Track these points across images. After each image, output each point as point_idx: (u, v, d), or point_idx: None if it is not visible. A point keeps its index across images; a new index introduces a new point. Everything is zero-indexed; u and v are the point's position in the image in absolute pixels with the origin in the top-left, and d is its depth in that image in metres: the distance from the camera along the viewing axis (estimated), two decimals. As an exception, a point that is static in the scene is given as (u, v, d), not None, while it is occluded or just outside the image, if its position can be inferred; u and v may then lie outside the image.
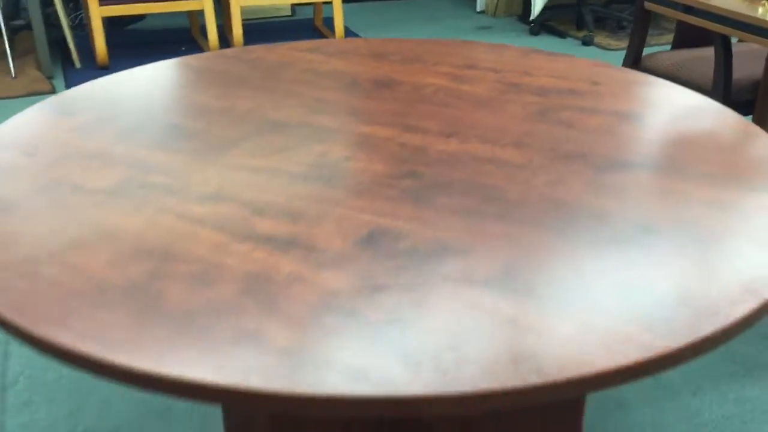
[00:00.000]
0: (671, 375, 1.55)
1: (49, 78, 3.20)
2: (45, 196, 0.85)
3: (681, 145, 0.99)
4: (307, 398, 0.57)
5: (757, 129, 1.04)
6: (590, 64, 1.29)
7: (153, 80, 1.21)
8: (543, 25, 4.03)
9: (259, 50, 1.37)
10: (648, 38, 2.52)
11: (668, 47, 2.78)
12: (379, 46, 1.39)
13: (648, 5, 2.21)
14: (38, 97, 3.04)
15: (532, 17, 3.88)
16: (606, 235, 0.78)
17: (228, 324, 0.65)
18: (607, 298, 0.68)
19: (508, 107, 1.11)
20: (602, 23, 4.15)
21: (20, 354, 1.60)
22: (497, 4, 4.31)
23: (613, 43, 3.81)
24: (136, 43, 3.75)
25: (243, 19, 4.02)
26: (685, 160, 0.95)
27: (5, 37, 3.24)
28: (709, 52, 2.27)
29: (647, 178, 0.90)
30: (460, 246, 0.76)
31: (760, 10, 1.72)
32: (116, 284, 0.70)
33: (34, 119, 1.06)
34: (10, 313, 0.65)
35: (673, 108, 1.11)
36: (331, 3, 3.62)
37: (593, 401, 1.47)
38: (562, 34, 3.95)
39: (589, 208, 0.83)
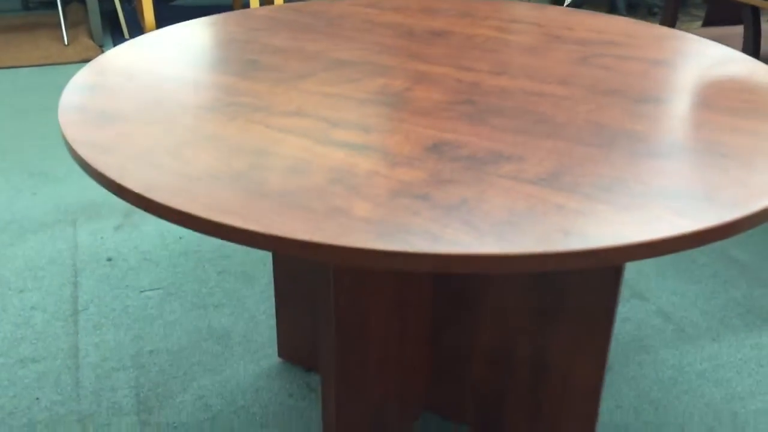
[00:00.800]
0: (692, 323, 1.65)
1: (101, 47, 3.35)
2: (151, 109, 0.97)
3: (708, 86, 1.10)
4: (393, 254, 0.69)
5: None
6: (627, 21, 1.40)
7: (223, 27, 1.33)
8: (575, 10, 4.11)
9: (319, 5, 1.49)
10: (678, 24, 2.61)
11: (699, 28, 2.85)
12: (431, 3, 1.51)
13: (681, -17, 2.29)
14: (89, 64, 3.19)
15: (565, 4, 3.96)
16: (642, 150, 0.89)
17: (321, 202, 0.76)
18: (644, 194, 0.79)
19: (552, 54, 1.22)
20: (634, 9, 4.22)
21: (89, 285, 1.74)
22: (530, -12, 4.39)
23: (644, 28, 3.88)
24: (181, 17, 3.89)
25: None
26: (712, 97, 1.05)
27: (59, 8, 3.39)
28: (737, 30, 2.36)
29: (678, 109, 1.01)
30: (513, 154, 0.87)
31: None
32: (225, 172, 0.82)
33: (125, 53, 1.19)
34: (146, 192, 0.77)
35: (703, 57, 1.22)
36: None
37: (619, 343, 1.58)
38: (593, 19, 4.03)
39: (626, 130, 0.94)
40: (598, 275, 1.12)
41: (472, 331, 1.27)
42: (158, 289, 1.74)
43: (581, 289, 1.15)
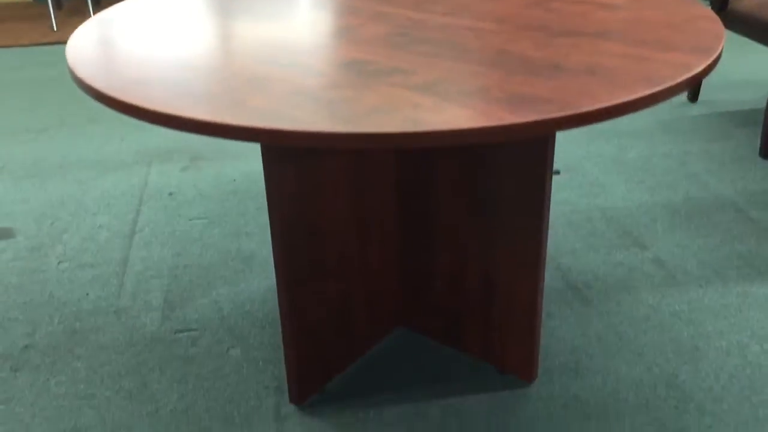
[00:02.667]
0: (684, 271, 1.70)
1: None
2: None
3: (636, 24, 1.18)
4: (259, 129, 0.87)
5: (715, 17, 1.20)
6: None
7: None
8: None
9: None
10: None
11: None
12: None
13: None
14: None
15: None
16: (522, 69, 1.01)
17: (233, 99, 0.96)
18: (496, 99, 0.92)
19: (515, 1, 1.34)
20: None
21: (149, 212, 2.03)
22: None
23: None
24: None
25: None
26: (629, 33, 1.14)
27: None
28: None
29: (584, 41, 1.11)
30: (409, 69, 1.02)
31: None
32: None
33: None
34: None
35: (654, 2, 1.29)
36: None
37: (604, 284, 1.66)
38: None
39: (523, 56, 1.06)
40: (525, 207, 1.24)
41: (432, 254, 1.42)
42: (204, 218, 2.00)
43: (514, 218, 1.27)
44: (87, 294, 1.70)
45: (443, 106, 0.90)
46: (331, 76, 1.01)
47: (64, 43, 3.62)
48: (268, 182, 1.18)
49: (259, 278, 1.74)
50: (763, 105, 2.58)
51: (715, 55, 1.02)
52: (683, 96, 2.68)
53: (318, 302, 1.33)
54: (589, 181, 2.12)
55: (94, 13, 3.98)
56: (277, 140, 0.86)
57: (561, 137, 2.40)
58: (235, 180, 2.21)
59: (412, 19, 1.25)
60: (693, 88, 2.63)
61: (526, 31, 1.17)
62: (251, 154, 2.38)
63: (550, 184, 1.23)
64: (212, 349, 1.52)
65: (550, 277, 1.71)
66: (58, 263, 1.82)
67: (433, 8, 1.32)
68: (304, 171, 1.23)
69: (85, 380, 1.44)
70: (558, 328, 1.54)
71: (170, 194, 2.14)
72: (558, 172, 2.19)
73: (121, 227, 1.97)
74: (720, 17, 2.45)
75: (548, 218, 1.26)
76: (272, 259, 1.80)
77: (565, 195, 2.05)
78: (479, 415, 1.33)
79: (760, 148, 2.23)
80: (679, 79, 0.95)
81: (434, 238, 1.41)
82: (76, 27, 3.81)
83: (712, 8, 2.44)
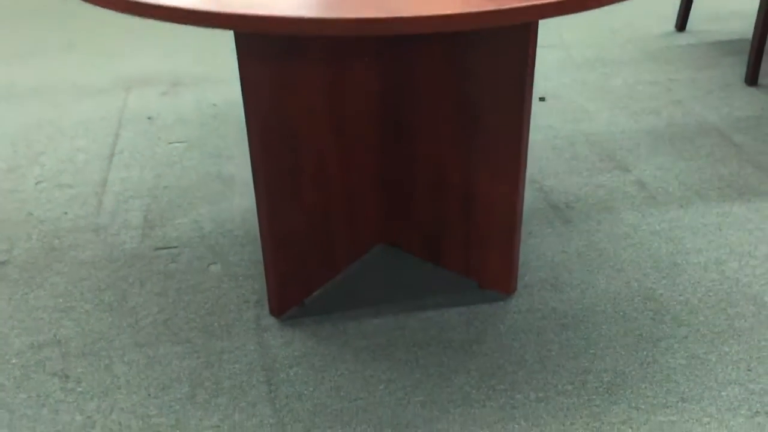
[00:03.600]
0: (666, 192, 1.70)
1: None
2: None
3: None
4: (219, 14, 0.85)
5: None
6: None
7: None
8: None
9: None
10: None
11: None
12: None
13: None
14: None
15: None
16: None
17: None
18: (481, -8, 0.90)
19: None
20: None
21: (128, 136, 2.01)
22: None
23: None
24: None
25: None
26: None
27: None
28: None
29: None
30: None
31: None
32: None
33: None
34: None
35: None
36: None
37: (584, 204, 1.66)
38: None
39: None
40: (505, 109, 1.23)
41: (412, 165, 1.41)
42: (184, 142, 1.98)
43: (492, 117, 1.26)
44: (65, 213, 1.68)
45: (421, -6, 0.88)
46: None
47: (40, -28, 3.51)
48: (244, 81, 1.15)
49: (240, 198, 1.73)
50: (751, 35, 2.56)
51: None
52: (670, 25, 2.65)
53: (297, 211, 1.32)
54: (573, 108, 2.10)
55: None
56: (250, 26, 0.84)
57: (546, 65, 2.37)
58: (215, 105, 2.17)
59: None
60: (681, 16, 2.60)
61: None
62: (232, 79, 2.34)
63: (531, 86, 1.22)
64: (192, 265, 1.51)
65: (532, 198, 1.70)
66: (36, 183, 1.79)
67: None
68: (281, 71, 1.20)
69: (64, 294, 1.44)
70: (539, 245, 1.55)
71: (149, 118, 2.10)
72: (543, 99, 2.17)
73: (100, 150, 1.94)
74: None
75: (528, 122, 1.25)
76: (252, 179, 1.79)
77: (550, 121, 2.04)
78: (458, 327, 1.34)
79: (746, 76, 2.22)
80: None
81: (415, 147, 1.40)
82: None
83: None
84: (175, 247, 1.57)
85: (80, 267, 1.51)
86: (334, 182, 1.38)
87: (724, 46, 2.50)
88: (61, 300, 1.42)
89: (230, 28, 0.87)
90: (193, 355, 1.29)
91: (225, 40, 2.69)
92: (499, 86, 1.23)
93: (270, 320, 1.36)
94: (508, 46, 1.20)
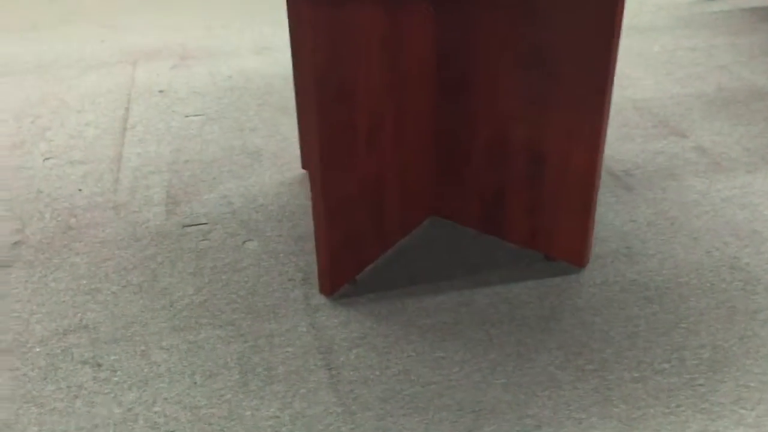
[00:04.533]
0: (730, 158, 1.58)
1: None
2: None
3: None
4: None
5: None
6: None
7: None
8: None
9: None
10: None
11: None
12: None
13: None
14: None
15: None
16: None
17: None
18: None
19: None
20: None
21: (139, 110, 1.85)
22: None
23: None
24: None
25: None
26: None
27: None
28: None
29: None
30: None
31: None
32: None
33: None
34: None
35: None
36: None
37: (645, 172, 1.54)
38: None
39: None
40: (588, 55, 1.10)
41: (470, 122, 1.28)
42: (201, 115, 1.83)
43: (572, 68, 1.13)
44: (80, 190, 1.53)
45: None
46: None
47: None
48: (294, 31, 1.01)
49: (270, 172, 1.58)
50: (784, 3, 2.45)
51: None
52: (701, -7, 2.54)
53: (351, 178, 1.19)
54: (616, 75, 1.98)
55: None
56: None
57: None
58: (231, 77, 2.02)
59: None
60: (711, -16, 2.49)
61: None
62: (245, 51, 2.19)
63: (620, 29, 1.09)
64: (226, 242, 1.37)
65: (584, 168, 1.58)
66: (44, 160, 1.64)
67: None
68: (334, 16, 1.06)
69: (87, 275, 1.29)
70: (604, 215, 1.42)
71: (160, 92, 1.95)
72: (579, 67, 2.04)
73: (111, 124, 1.79)
74: None
75: (614, 71, 1.12)
76: (284, 154, 1.64)
77: (590, 88, 1.91)
78: (531, 302, 1.21)
79: (791, 40, 2.11)
80: None
81: (476, 103, 1.27)
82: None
83: None
84: (205, 223, 1.42)
85: (102, 246, 1.36)
86: (388, 146, 1.24)
87: (759, 12, 2.38)
88: (84, 282, 1.27)
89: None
90: (239, 338, 1.15)
91: (236, 10, 2.54)
92: (579, 32, 1.10)
93: (320, 299, 1.22)
94: (591, -15, 1.07)
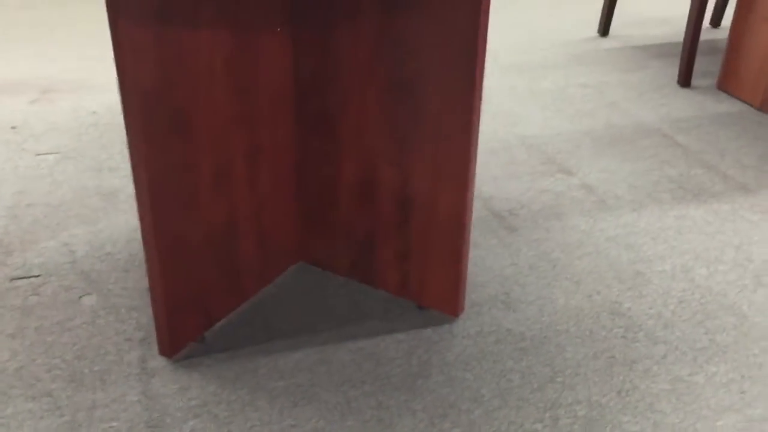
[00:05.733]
0: (615, 196, 1.52)
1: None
2: None
3: None
4: None
5: None
6: None
7: None
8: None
9: None
10: None
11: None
12: None
13: None
14: None
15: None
16: None
17: None
18: None
19: None
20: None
21: None
22: None
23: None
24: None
25: None
26: None
27: None
28: None
29: None
30: None
31: None
32: None
33: None
34: None
35: None
36: None
37: (529, 212, 1.46)
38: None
39: None
40: (452, 87, 1.00)
41: (336, 162, 1.17)
42: (56, 153, 1.66)
43: (436, 102, 1.03)
44: None
45: None
46: None
47: None
48: (118, 48, 0.88)
49: (126, 216, 1.42)
50: (675, 40, 2.47)
51: None
52: (593, 31, 2.54)
53: (192, 226, 1.05)
54: (505, 111, 1.92)
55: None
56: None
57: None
58: (95, 112, 1.86)
59: None
60: (603, 22, 2.49)
61: None
62: (114, 86, 2.03)
63: (483, 63, 1.00)
64: (59, 297, 1.20)
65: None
66: None
67: None
68: (166, 36, 0.93)
69: None
70: (484, 257, 1.32)
71: (13, 128, 1.77)
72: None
73: (-51, 164, 1.60)
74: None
75: (479, 109, 1.03)
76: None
77: (482, 125, 1.84)
78: (397, 358, 1.09)
79: (679, 77, 2.10)
80: None
81: (339, 141, 1.15)
82: None
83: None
84: (38, 276, 1.25)
85: None
86: (240, 187, 1.11)
87: (651, 50, 2.39)
88: None
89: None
90: (55, 412, 0.98)
91: (107, 41, 2.38)
92: (444, 68, 1.01)
93: (159, 362, 1.07)
94: (454, 16, 0.98)
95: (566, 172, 1.62)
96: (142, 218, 0.97)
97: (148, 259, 1.00)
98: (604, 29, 2.50)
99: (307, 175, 1.21)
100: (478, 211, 1.47)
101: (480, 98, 1.02)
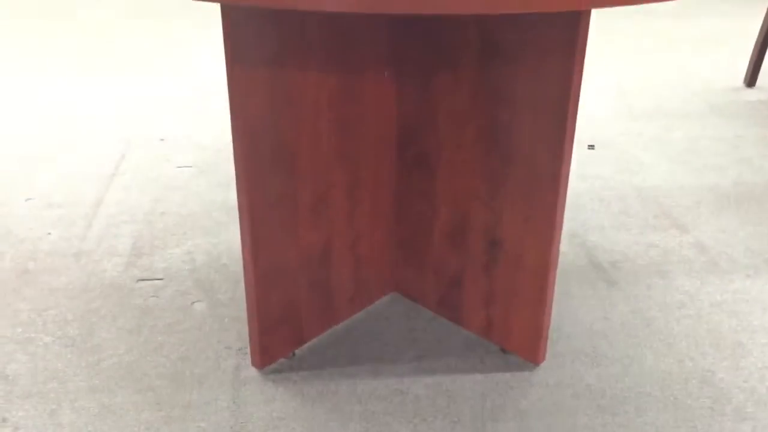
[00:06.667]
0: (730, 258, 1.46)
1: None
2: None
3: None
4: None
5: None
6: None
7: None
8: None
9: None
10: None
11: None
12: None
13: None
14: None
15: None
16: None
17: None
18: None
19: None
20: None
21: (135, 156, 1.86)
22: None
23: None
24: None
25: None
26: None
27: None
28: None
29: None
30: None
31: None
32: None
33: None
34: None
35: None
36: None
37: (634, 265, 1.43)
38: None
39: None
40: (542, 143, 1.02)
41: (431, 203, 1.21)
42: (192, 167, 1.82)
43: (528, 149, 1.05)
44: (49, 233, 1.53)
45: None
46: None
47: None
48: (232, 87, 0.98)
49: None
50: (829, 96, 2.31)
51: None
52: (739, 80, 2.43)
53: (291, 247, 1.13)
54: (627, 158, 1.88)
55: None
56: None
57: (600, 112, 2.17)
58: (234, 132, 2.02)
59: None
60: (751, 71, 2.37)
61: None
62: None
63: (574, 119, 1.02)
64: (175, 301, 1.33)
65: (573, 254, 1.48)
66: (26, 200, 1.65)
67: None
68: (278, 76, 1.02)
69: (25, 323, 1.26)
70: (577, 309, 1.32)
71: (161, 140, 1.96)
72: (592, 147, 1.96)
73: (101, 169, 1.80)
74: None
75: (569, 161, 1.04)
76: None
77: (598, 170, 1.82)
78: (472, 398, 1.11)
79: (825, 136, 1.97)
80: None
81: (435, 182, 1.20)
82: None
83: None
84: (160, 279, 1.39)
85: (50, 294, 1.34)
86: (339, 216, 1.19)
87: (799, 104, 2.26)
88: (20, 330, 1.25)
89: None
90: (155, 407, 1.09)
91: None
92: (537, 116, 1.03)
93: (251, 372, 1.16)
94: (548, 69, 1.00)
95: (680, 228, 1.57)
96: (243, 243, 1.06)
97: (246, 281, 1.10)
98: (751, 79, 2.39)
99: (404, 210, 1.26)
100: (579, 259, 1.46)
101: (571, 150, 1.03)
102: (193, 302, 1.32)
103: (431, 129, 1.17)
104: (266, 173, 1.05)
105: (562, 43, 0.97)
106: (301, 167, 1.10)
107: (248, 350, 1.20)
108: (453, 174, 1.17)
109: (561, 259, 1.46)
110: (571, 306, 1.32)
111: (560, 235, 1.09)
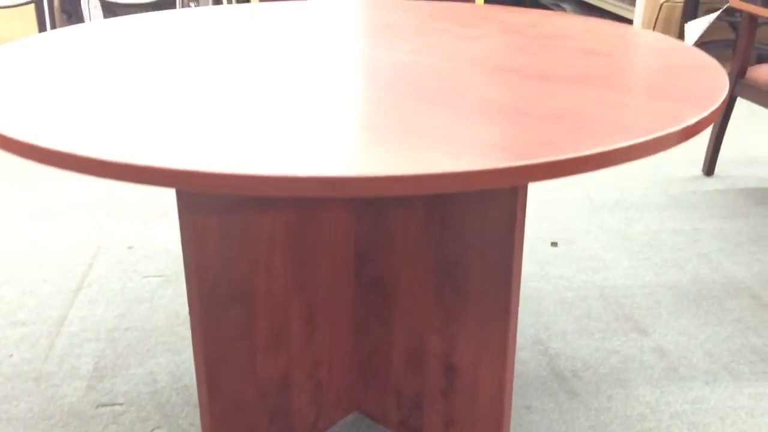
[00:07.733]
0: (689, 364, 1.48)
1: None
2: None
3: (623, 69, 1.01)
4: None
5: (719, 67, 1.03)
6: (602, 22, 1.32)
7: None
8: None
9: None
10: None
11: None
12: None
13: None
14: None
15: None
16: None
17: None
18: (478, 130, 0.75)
19: (492, 42, 1.18)
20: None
21: (101, 267, 1.86)
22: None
23: None
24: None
25: None
26: (613, 78, 0.97)
27: None
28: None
29: (564, 86, 0.94)
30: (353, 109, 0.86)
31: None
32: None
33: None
34: None
35: (639, 47, 1.13)
36: None
37: (594, 374, 1.45)
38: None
39: (488, 99, 0.89)
40: (491, 275, 1.05)
41: (387, 324, 1.23)
42: (160, 276, 1.82)
43: (478, 282, 1.07)
44: (11, 355, 1.52)
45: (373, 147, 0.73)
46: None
47: None
48: (184, 232, 1.00)
49: (205, 347, 1.54)
50: (785, 183, 2.38)
51: (713, 107, 0.84)
52: (697, 169, 2.49)
53: (247, 385, 1.13)
54: (589, 256, 1.92)
55: None
56: (194, 186, 0.69)
57: (562, 206, 2.21)
58: (202, 236, 2.04)
59: (401, 62, 1.09)
60: (709, 160, 2.45)
61: (488, 71, 1.00)
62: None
63: (520, 254, 1.04)
64: (134, 428, 1.31)
65: (535, 363, 1.49)
66: (-12, 319, 1.65)
67: (398, 46, 1.16)
68: (232, 227, 1.05)
69: (-20, 458, 1.25)
70: (537, 424, 1.32)
71: (129, 248, 1.97)
72: (555, 245, 1.99)
73: (67, 282, 1.80)
74: (738, 86, 2.28)
75: (518, 292, 1.06)
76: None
77: (561, 270, 1.85)
78: None
79: (780, 229, 2.03)
80: (666, 131, 0.77)
81: (392, 308, 1.22)
82: None
83: (729, 76, 2.28)
84: (121, 404, 1.38)
85: (8, 425, 1.32)
86: (298, 344, 1.20)
87: (755, 194, 2.32)
88: (-26, 466, 1.23)
89: (169, 186, 0.72)
90: None
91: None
92: (485, 250, 1.06)
93: (209, 507, 1.15)
94: (495, 207, 1.03)
95: (641, 331, 1.59)
96: (198, 382, 1.07)
97: (203, 419, 1.09)
98: (709, 168, 2.46)
99: (363, 333, 1.27)
100: (541, 368, 1.47)
101: (518, 285, 1.05)
102: (153, 429, 1.31)
103: (387, 256, 1.20)
104: (221, 312, 1.06)
105: (505, 198, 1.01)
106: (258, 302, 1.11)
107: (207, 482, 1.19)
108: (408, 301, 1.19)
109: (523, 368, 1.47)
110: (532, 422, 1.33)
111: (513, 364, 1.11)
